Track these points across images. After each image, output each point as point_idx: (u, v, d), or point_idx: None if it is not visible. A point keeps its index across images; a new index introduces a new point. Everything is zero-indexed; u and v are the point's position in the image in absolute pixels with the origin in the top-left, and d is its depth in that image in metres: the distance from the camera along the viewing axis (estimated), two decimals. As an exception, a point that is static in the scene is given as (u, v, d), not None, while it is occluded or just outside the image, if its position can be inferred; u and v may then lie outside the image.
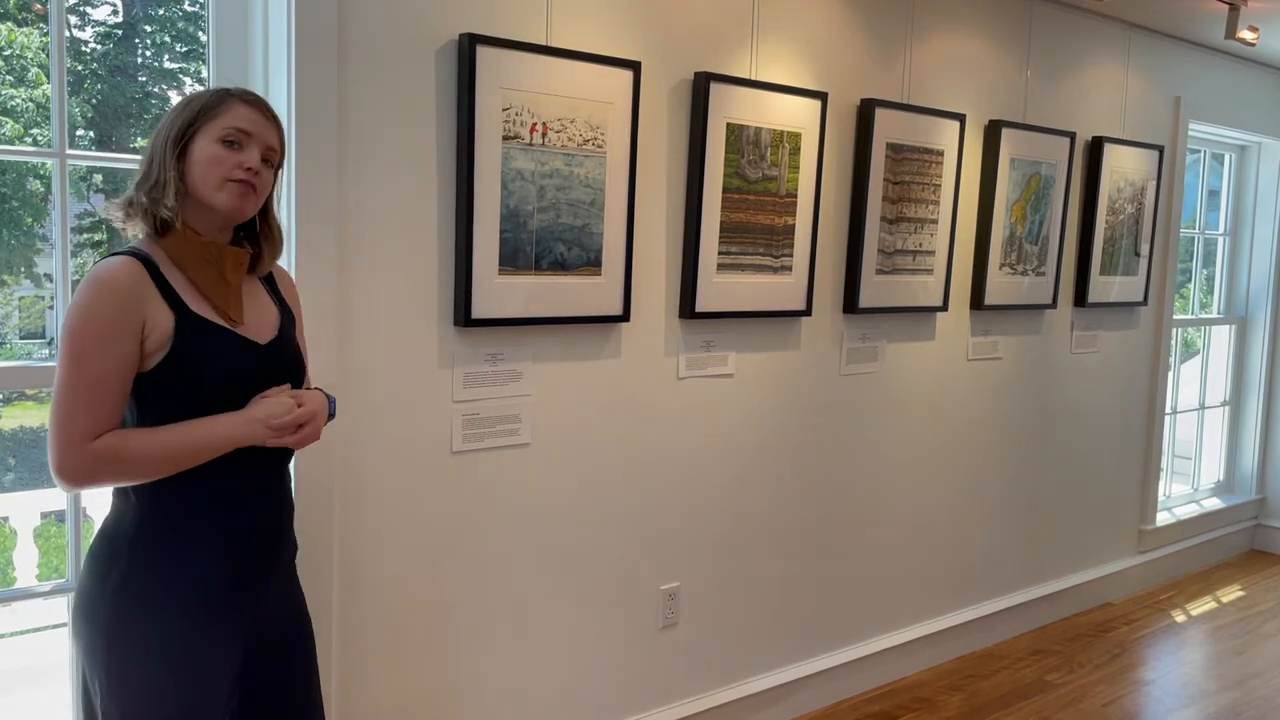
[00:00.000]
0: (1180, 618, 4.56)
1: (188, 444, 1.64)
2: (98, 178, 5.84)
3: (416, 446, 2.48)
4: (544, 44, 2.56)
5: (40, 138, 6.15)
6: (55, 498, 4.15)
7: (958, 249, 3.71)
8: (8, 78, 6.22)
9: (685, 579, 3.08)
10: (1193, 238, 5.40)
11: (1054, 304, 4.12)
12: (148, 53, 7.37)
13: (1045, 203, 4.00)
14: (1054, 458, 4.33)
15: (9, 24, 6.02)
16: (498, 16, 2.50)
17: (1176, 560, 5.10)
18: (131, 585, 1.65)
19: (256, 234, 1.83)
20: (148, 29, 7.14)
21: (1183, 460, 5.54)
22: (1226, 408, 5.59)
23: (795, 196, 3.13)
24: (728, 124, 2.93)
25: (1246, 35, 4.02)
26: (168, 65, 7.34)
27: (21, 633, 4.40)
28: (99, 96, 6.82)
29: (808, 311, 3.23)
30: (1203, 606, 4.71)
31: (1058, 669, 3.92)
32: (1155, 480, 4.89)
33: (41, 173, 6.58)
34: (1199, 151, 5.29)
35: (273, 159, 1.76)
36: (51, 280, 2.36)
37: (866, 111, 3.33)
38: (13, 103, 6.21)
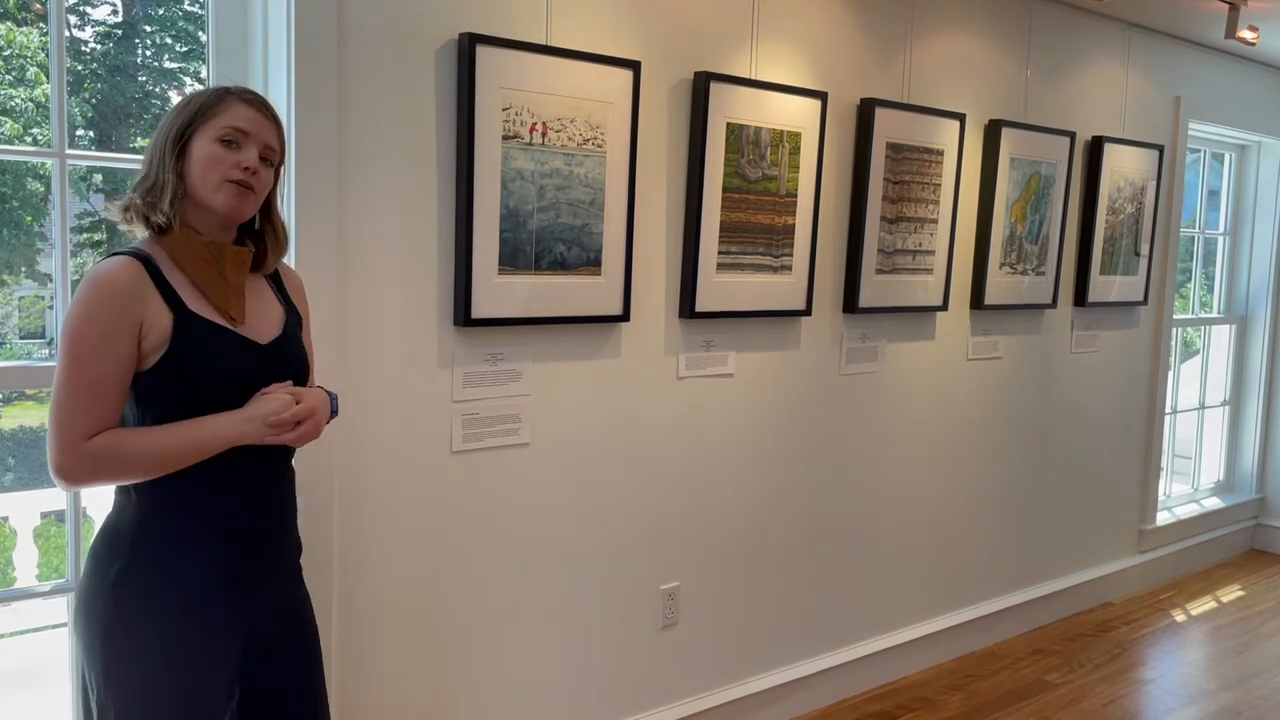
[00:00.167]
0: (1180, 617, 4.56)
1: (186, 442, 1.64)
2: (98, 177, 5.84)
3: (416, 446, 2.48)
4: (544, 44, 2.56)
5: (40, 137, 6.15)
6: (55, 498, 4.15)
7: (958, 249, 3.71)
8: (7, 77, 6.22)
9: (685, 579, 3.08)
10: (1193, 237, 5.40)
11: (1054, 304, 4.12)
12: (148, 52, 7.37)
13: (1045, 202, 3.99)
14: (1054, 457, 4.32)
15: (9, 24, 6.01)
16: (497, 16, 2.50)
17: (1176, 560, 5.10)
18: (131, 582, 1.65)
19: (260, 233, 1.82)
20: (148, 29, 7.14)
21: (1183, 460, 5.54)
22: (1226, 407, 5.59)
23: (795, 196, 3.12)
24: (728, 123, 2.93)
25: (1246, 35, 4.02)
26: (168, 65, 7.34)
27: (21, 633, 4.40)
28: (99, 96, 6.82)
29: (808, 311, 3.23)
30: (1203, 606, 4.71)
31: (1058, 669, 3.92)
32: (1155, 480, 4.89)
33: (41, 172, 6.57)
34: (1199, 151, 5.29)
35: (272, 158, 1.75)
36: (52, 280, 2.36)
37: (866, 111, 3.33)
38: (12, 102, 6.21)
